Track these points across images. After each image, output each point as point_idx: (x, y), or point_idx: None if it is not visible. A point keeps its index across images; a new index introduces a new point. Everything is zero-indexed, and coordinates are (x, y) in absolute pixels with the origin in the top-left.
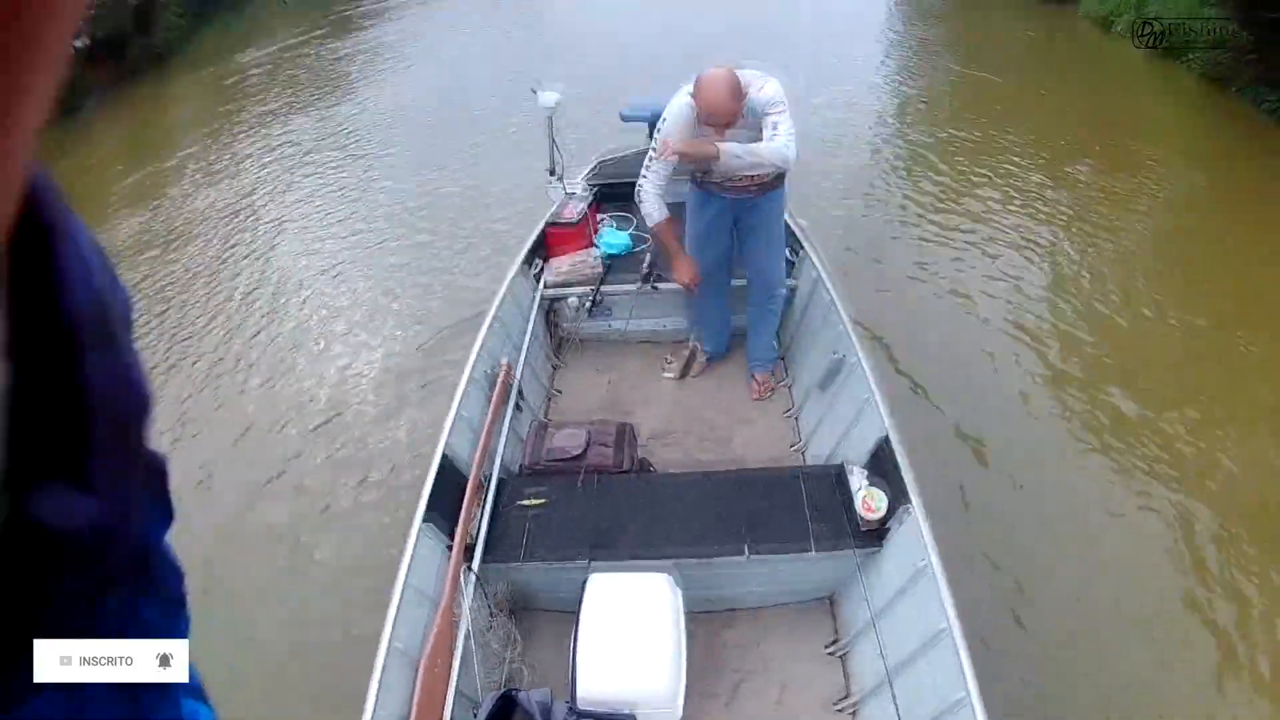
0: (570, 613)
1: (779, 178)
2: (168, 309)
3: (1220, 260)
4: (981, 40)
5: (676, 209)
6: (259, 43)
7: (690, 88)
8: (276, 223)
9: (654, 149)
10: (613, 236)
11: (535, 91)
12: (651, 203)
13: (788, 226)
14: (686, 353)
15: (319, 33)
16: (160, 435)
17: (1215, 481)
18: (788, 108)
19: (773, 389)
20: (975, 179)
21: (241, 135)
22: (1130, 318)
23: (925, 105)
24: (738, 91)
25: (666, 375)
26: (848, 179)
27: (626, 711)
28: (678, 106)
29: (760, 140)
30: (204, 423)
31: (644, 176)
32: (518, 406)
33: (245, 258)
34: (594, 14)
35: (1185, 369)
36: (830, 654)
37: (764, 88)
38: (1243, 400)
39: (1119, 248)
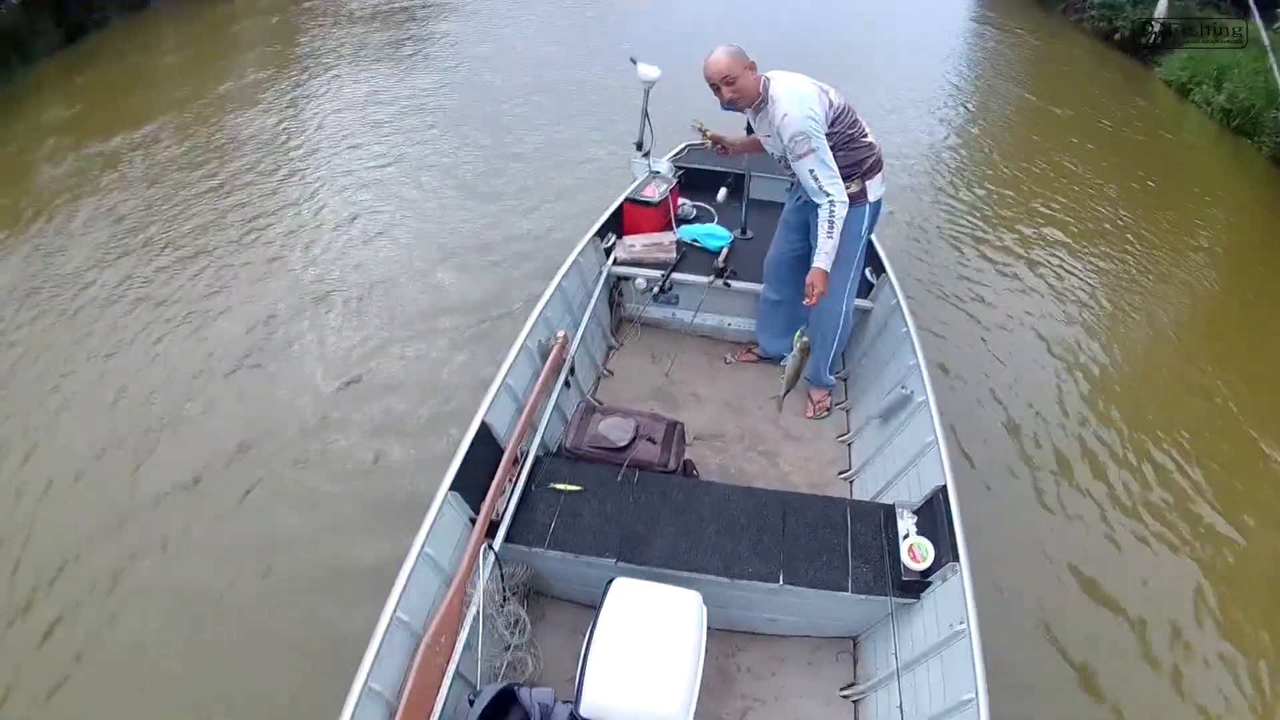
0: (585, 606)
1: (855, 196)
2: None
3: None
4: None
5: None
6: None
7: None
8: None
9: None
10: (702, 226)
11: (635, 62)
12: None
13: (870, 246)
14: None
15: None
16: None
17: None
18: (812, 137)
19: (828, 409)
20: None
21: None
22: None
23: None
24: (727, 70)
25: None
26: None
27: None
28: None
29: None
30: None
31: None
32: (566, 383)
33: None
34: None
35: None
36: (845, 697)
37: (786, 115)
38: None
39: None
